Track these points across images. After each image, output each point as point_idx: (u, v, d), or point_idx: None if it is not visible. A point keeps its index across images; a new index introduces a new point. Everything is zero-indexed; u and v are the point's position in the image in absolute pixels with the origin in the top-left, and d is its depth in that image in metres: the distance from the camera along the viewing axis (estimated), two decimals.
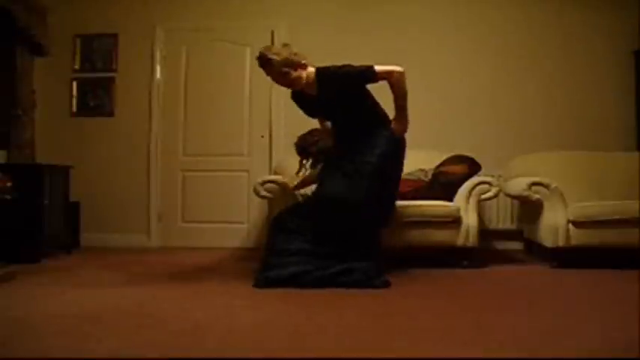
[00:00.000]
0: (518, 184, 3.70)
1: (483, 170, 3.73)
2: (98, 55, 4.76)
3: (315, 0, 4.76)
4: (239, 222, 4.69)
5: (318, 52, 4.69)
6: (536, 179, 3.58)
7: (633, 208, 3.38)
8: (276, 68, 2.78)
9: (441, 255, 3.51)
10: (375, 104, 3.00)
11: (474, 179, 3.57)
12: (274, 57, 2.76)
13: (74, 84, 4.75)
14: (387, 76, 2.81)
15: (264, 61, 2.79)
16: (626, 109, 4.50)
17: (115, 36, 4.76)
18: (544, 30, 4.60)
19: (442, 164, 3.75)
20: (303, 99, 3.03)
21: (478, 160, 3.71)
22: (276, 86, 4.67)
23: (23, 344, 1.78)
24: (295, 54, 2.83)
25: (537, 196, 3.55)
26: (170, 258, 3.96)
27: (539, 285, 2.92)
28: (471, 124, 4.55)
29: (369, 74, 2.81)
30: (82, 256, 4.03)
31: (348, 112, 2.97)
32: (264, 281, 2.69)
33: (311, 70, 2.88)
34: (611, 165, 4.06)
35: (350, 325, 2.01)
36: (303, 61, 2.83)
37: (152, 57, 4.76)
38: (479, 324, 2.03)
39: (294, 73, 2.81)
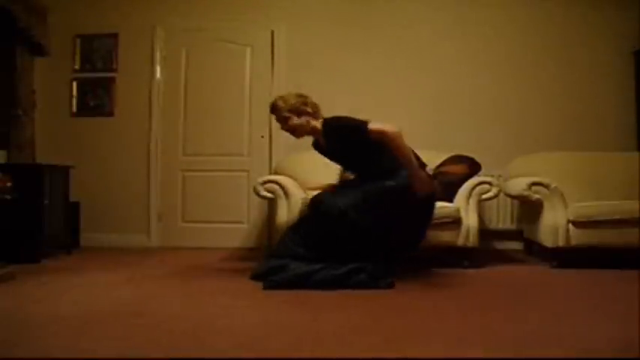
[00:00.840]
0: (518, 184, 3.70)
1: (483, 170, 3.71)
2: (98, 55, 4.76)
3: (316, 0, 4.76)
4: (239, 222, 4.69)
5: (318, 52, 4.74)
6: (536, 179, 3.59)
7: (633, 208, 3.38)
8: (281, 112, 2.96)
9: (441, 255, 3.51)
10: (382, 155, 2.89)
11: (475, 179, 3.57)
12: (280, 102, 2.96)
13: (74, 84, 4.75)
14: (380, 135, 2.76)
15: (272, 106, 3.01)
16: (626, 109, 4.50)
17: (115, 36, 4.77)
18: (544, 30, 4.61)
19: (442, 164, 3.73)
20: (321, 147, 3.15)
21: (478, 160, 3.70)
22: (276, 86, 4.73)
23: (23, 344, 1.78)
24: (305, 103, 2.96)
25: (537, 196, 3.56)
26: (170, 258, 3.96)
27: (539, 285, 2.92)
28: (471, 124, 4.55)
29: (362, 131, 2.79)
30: (82, 256, 4.03)
31: (354, 162, 3.08)
32: (270, 284, 2.70)
33: (316, 119, 3.00)
34: (611, 165, 4.06)
35: (350, 325, 2.01)
36: (310, 110, 2.96)
37: (152, 57, 4.76)
38: (479, 324, 2.03)
39: (296, 120, 2.94)
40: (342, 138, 2.90)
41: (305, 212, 3.25)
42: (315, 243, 2.85)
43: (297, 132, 3.01)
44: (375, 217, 2.79)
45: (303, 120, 2.95)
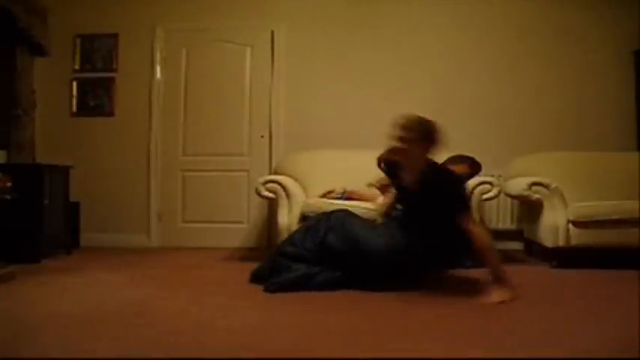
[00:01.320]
0: (518, 184, 3.70)
1: (483, 170, 3.73)
2: (98, 55, 4.76)
3: (316, 0, 4.76)
4: (239, 222, 4.69)
5: (318, 53, 4.73)
6: (536, 179, 3.59)
7: (633, 208, 3.38)
8: (410, 134, 2.59)
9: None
10: (448, 226, 2.61)
11: (475, 179, 3.57)
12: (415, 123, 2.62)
13: (74, 84, 4.75)
14: (467, 230, 2.51)
15: (407, 123, 2.62)
16: (626, 109, 4.50)
17: (115, 36, 4.77)
18: (544, 30, 4.61)
19: (442, 164, 3.74)
20: (393, 170, 2.81)
21: (478, 160, 3.71)
22: (276, 86, 4.73)
23: (23, 344, 1.78)
24: (433, 136, 2.62)
25: (537, 196, 3.56)
26: (170, 258, 3.96)
27: (539, 285, 2.91)
28: (471, 124, 4.55)
29: (458, 212, 2.53)
30: (82, 256, 4.03)
31: (421, 208, 2.72)
32: (271, 286, 2.68)
33: (428, 155, 2.64)
34: (611, 165, 4.05)
35: (351, 326, 2.01)
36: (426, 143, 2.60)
37: (152, 57, 4.76)
38: (479, 324, 2.03)
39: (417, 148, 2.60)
40: (435, 189, 2.59)
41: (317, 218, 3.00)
42: (334, 259, 2.72)
43: (401, 154, 2.65)
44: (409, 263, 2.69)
45: (422, 150, 2.61)
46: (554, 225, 3.46)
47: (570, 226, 3.44)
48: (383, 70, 4.66)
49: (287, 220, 3.56)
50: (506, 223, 4.43)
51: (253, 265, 3.06)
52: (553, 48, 4.59)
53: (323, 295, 2.53)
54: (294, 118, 4.68)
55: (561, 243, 3.44)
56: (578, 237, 3.42)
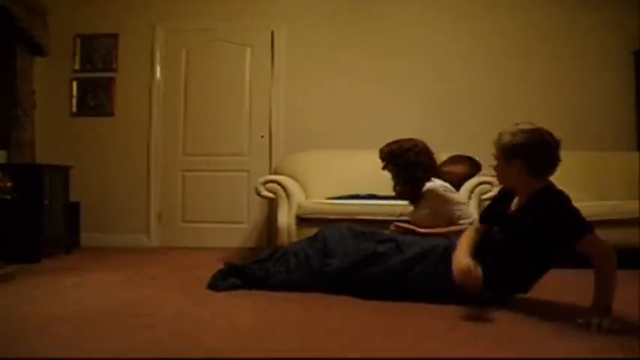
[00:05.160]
0: None
1: (483, 170, 3.73)
2: (98, 55, 4.76)
3: (315, 0, 4.76)
4: (239, 222, 4.69)
5: (318, 53, 4.73)
6: None
7: (633, 208, 3.38)
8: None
9: None
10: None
11: (475, 179, 3.57)
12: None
13: (74, 84, 4.75)
14: (592, 251, 2.07)
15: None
16: (626, 109, 4.50)
17: (115, 36, 4.77)
18: (544, 30, 4.61)
19: (442, 164, 3.75)
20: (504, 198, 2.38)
21: (478, 159, 3.71)
22: (276, 86, 4.73)
23: (23, 344, 1.77)
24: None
25: None
26: (170, 258, 3.96)
27: (539, 285, 2.91)
28: (471, 123, 4.55)
29: (577, 231, 2.06)
30: (82, 256, 4.03)
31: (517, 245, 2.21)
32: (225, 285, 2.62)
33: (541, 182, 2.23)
34: (611, 165, 4.06)
35: (351, 326, 2.01)
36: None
37: (152, 57, 4.76)
38: (479, 324, 2.03)
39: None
40: (546, 222, 2.11)
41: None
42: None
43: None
44: None
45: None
46: None
47: None
48: (383, 70, 4.66)
49: (287, 220, 3.56)
50: None
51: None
52: (553, 48, 4.59)
53: (323, 295, 2.52)
54: (293, 118, 4.68)
55: None
56: None
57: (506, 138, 2.22)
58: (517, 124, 2.25)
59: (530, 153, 2.16)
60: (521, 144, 2.17)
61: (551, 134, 2.22)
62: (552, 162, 2.21)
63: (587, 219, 3.31)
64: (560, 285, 2.72)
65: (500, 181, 2.36)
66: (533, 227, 2.12)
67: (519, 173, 2.19)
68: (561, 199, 2.14)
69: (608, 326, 1.87)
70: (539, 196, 2.15)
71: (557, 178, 3.71)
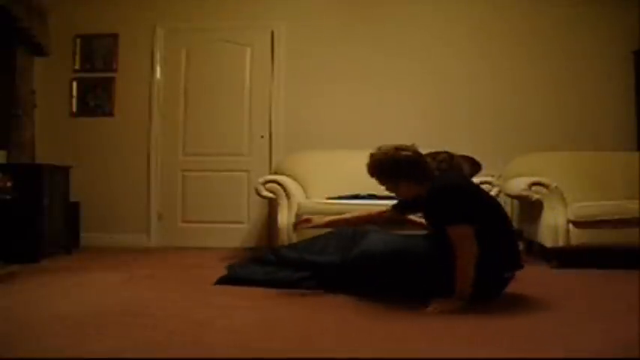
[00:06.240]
0: (518, 184, 3.70)
1: (483, 170, 3.73)
2: (98, 55, 4.76)
3: (316, 0, 4.76)
4: (239, 222, 4.69)
5: (318, 53, 4.73)
6: (536, 179, 3.58)
7: (633, 208, 3.38)
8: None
9: None
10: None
11: (475, 179, 3.56)
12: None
13: (74, 84, 4.75)
14: (452, 240, 2.26)
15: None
16: (626, 109, 4.50)
17: (115, 36, 4.77)
18: (544, 30, 4.61)
19: None
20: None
21: (478, 159, 3.70)
22: (276, 86, 4.73)
23: (23, 344, 1.77)
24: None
25: (537, 196, 3.55)
26: (170, 258, 3.96)
27: (539, 285, 2.91)
28: (471, 124, 4.55)
29: (447, 219, 2.30)
30: (82, 256, 4.03)
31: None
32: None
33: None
34: (611, 165, 4.05)
35: (351, 326, 2.01)
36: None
37: (152, 57, 4.76)
38: (479, 324, 2.03)
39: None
40: (433, 207, 2.45)
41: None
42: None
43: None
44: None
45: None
46: (554, 225, 3.46)
47: (570, 226, 3.44)
48: (383, 70, 4.66)
49: (287, 219, 3.56)
50: None
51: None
52: (553, 48, 4.59)
53: (323, 296, 2.53)
54: (294, 118, 4.68)
55: (561, 243, 3.43)
56: (579, 237, 3.42)
57: (376, 168, 2.48)
58: (371, 153, 2.52)
59: (404, 171, 2.45)
60: (392, 168, 2.45)
61: (405, 146, 2.50)
62: (425, 167, 2.49)
63: (588, 219, 3.29)
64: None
65: (403, 197, 2.65)
66: (437, 216, 2.44)
67: (409, 187, 2.50)
68: (445, 192, 2.37)
69: (443, 309, 2.16)
70: (432, 193, 2.41)
71: (558, 178, 3.71)
